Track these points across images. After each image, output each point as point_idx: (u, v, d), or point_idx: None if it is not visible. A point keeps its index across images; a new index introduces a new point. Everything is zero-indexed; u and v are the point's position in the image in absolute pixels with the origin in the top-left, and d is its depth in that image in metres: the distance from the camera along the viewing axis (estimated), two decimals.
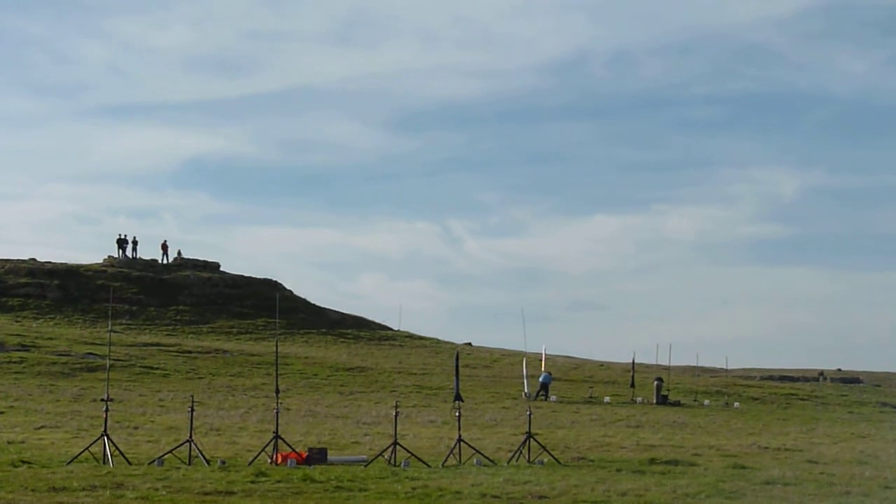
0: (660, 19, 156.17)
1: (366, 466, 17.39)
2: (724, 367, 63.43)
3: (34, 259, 67.26)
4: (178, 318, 62.06)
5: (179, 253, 70.67)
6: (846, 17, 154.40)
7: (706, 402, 43.61)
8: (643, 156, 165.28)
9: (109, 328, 26.80)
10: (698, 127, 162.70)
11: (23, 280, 63.26)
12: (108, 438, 17.32)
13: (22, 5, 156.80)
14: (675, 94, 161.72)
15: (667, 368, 49.39)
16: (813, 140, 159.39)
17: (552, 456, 19.10)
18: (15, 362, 40.54)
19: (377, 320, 69.72)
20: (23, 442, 20.28)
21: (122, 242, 68.73)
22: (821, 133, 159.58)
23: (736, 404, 43.17)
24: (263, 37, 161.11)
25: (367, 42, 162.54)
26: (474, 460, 18.31)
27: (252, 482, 14.87)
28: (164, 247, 69.97)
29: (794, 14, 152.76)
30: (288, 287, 71.04)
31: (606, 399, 42.11)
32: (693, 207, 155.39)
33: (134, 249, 69.01)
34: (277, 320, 32.01)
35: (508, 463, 18.54)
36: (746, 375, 67.12)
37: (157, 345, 49.76)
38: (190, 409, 19.18)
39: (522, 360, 44.40)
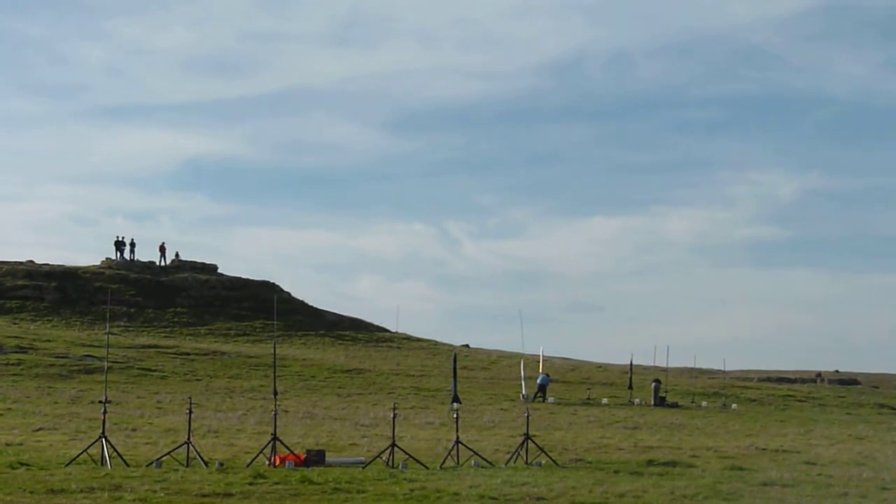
0: (658, 20, 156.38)
1: (364, 468, 17.40)
2: (722, 369, 63.45)
3: (32, 261, 67.27)
4: (175, 320, 62.02)
5: (177, 255, 70.72)
6: (845, 19, 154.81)
7: (704, 403, 43.62)
8: (642, 157, 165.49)
9: (107, 330, 26.78)
10: (697, 128, 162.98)
11: (20, 282, 63.24)
12: (107, 440, 17.32)
13: (21, 6, 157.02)
14: (674, 96, 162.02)
15: (664, 370, 49.41)
16: (811, 142, 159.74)
17: (550, 458, 19.11)
18: (13, 364, 40.57)
19: (375, 322, 69.85)
20: (21, 444, 20.29)
21: (119, 244, 68.72)
22: (819, 135, 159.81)
23: (733, 406, 43.16)
24: (262, 38, 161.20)
25: (366, 43, 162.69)
26: (472, 462, 18.32)
27: (250, 484, 14.88)
28: (162, 249, 70.09)
29: (792, 15, 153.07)
30: (286, 289, 71.13)
31: (604, 401, 42.12)
32: (691, 209, 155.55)
33: (132, 251, 69.09)
34: (275, 322, 32.06)
35: (506, 465, 18.53)
36: (744, 377, 67.11)
37: (155, 347, 49.76)
38: (188, 411, 19.21)
39: (520, 362, 44.33)
